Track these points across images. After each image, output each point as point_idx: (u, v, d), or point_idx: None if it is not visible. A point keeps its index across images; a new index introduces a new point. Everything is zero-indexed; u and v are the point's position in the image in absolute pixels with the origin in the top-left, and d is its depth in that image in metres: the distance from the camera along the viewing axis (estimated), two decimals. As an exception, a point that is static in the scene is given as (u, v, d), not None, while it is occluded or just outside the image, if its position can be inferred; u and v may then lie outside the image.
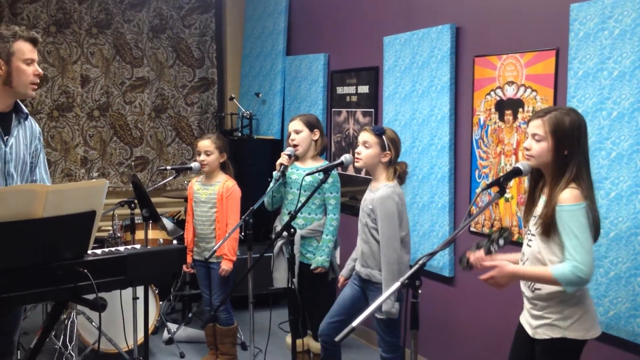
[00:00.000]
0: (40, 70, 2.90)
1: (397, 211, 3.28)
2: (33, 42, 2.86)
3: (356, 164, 3.41)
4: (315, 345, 4.05)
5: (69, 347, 4.07)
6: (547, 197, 2.46)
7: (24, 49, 2.83)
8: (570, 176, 2.40)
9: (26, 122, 2.97)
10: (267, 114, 6.04)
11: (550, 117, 2.44)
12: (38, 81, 2.90)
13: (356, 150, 3.39)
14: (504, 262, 2.49)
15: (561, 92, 3.20)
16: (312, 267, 3.84)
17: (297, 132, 3.91)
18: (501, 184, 2.46)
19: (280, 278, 3.88)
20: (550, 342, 2.48)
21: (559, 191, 2.40)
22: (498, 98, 3.59)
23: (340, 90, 5.11)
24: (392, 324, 3.36)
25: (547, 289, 2.46)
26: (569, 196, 2.37)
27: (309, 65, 5.45)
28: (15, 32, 2.82)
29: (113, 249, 2.55)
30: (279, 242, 3.86)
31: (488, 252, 2.58)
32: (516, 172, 2.54)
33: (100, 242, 4.62)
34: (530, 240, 2.54)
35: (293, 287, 3.40)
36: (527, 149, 2.49)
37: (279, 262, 3.87)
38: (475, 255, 2.58)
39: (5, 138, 2.85)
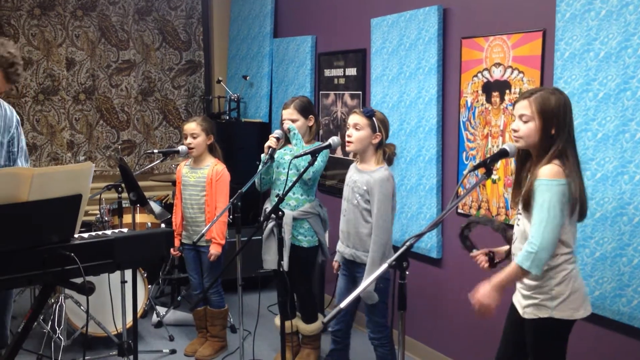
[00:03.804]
0: None
1: (392, 194, 3.32)
2: (7, 78, 2.74)
3: (347, 148, 3.40)
4: (304, 327, 4.07)
5: (58, 331, 4.06)
6: (530, 174, 2.49)
7: None
8: (554, 153, 2.42)
9: None
10: (254, 96, 6.01)
11: (537, 97, 2.45)
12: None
13: (347, 133, 3.38)
14: (483, 284, 2.48)
15: (548, 73, 3.20)
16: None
17: (293, 121, 3.85)
18: (488, 165, 2.47)
19: (270, 260, 3.87)
20: (538, 321, 2.50)
21: (540, 166, 2.42)
22: (485, 80, 3.59)
23: (328, 72, 5.09)
24: (379, 305, 3.39)
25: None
26: (547, 171, 2.40)
27: (296, 47, 5.42)
28: (7, 57, 2.70)
29: (100, 232, 2.54)
30: (270, 224, 3.85)
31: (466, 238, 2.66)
32: (503, 154, 2.55)
33: (88, 226, 4.61)
34: (518, 219, 2.57)
35: (282, 269, 3.41)
36: (515, 131, 2.50)
37: (269, 244, 3.87)
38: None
39: None
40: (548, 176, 2.39)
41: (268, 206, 4.00)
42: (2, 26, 5.70)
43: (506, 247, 2.73)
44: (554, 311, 2.47)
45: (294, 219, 3.84)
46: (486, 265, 2.72)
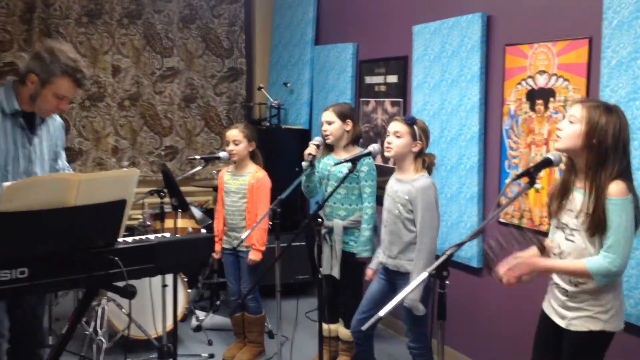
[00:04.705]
0: (66, 107, 2.89)
1: (435, 201, 3.30)
2: (78, 83, 2.82)
3: (387, 154, 3.39)
4: (345, 332, 4.06)
5: (100, 333, 4.13)
6: (588, 191, 2.41)
7: (65, 86, 2.79)
8: (613, 171, 2.37)
9: (49, 118, 3.01)
10: (295, 103, 6.04)
11: (592, 105, 2.42)
12: (57, 113, 2.92)
13: (387, 140, 3.37)
14: (534, 258, 2.46)
15: (594, 81, 3.15)
16: (357, 256, 3.86)
17: (329, 122, 3.89)
18: (531, 174, 2.43)
19: (324, 266, 3.90)
20: (589, 334, 2.46)
21: (604, 185, 2.37)
22: (529, 87, 3.54)
23: (368, 79, 5.09)
24: (420, 315, 3.36)
25: (593, 283, 2.42)
26: (616, 189, 2.35)
27: (337, 54, 5.43)
28: (72, 66, 2.75)
29: (143, 237, 2.58)
30: (322, 231, 3.87)
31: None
32: (547, 163, 2.51)
33: (131, 231, 4.68)
34: (572, 235, 2.49)
35: (320, 275, 3.41)
36: (559, 129, 2.48)
37: (323, 250, 3.90)
38: (506, 273, 2.55)
39: (30, 137, 2.89)
40: (619, 194, 2.35)
41: (323, 215, 4.00)
42: (51, 34, 5.85)
43: (531, 252, 2.66)
44: (606, 324, 2.44)
45: (345, 228, 3.85)
46: (513, 280, 2.63)
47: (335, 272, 3.84)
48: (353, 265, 3.89)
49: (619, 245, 2.34)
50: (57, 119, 3.10)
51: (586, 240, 2.44)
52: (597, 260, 2.36)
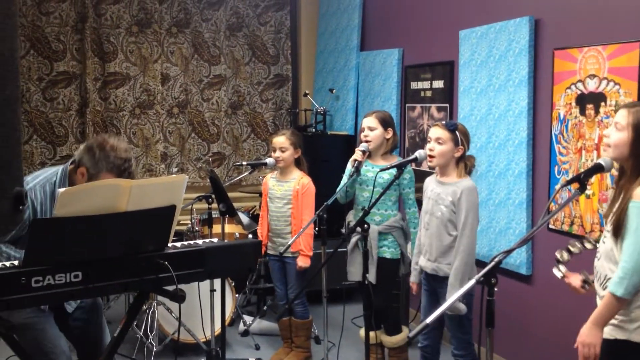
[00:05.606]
0: None
1: (477, 204, 3.28)
2: (121, 177, 2.76)
3: (430, 163, 3.38)
4: (387, 340, 4.05)
5: (150, 337, 4.21)
6: (622, 194, 2.39)
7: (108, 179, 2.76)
8: None
9: None
10: (340, 109, 6.06)
11: (638, 110, 2.36)
12: None
13: (429, 147, 3.36)
14: (586, 331, 2.43)
15: (647, 85, 3.07)
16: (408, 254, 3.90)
17: (371, 129, 3.90)
18: (582, 180, 2.39)
19: (355, 272, 3.91)
20: (614, 342, 2.41)
21: (634, 187, 2.32)
22: (579, 92, 3.48)
23: (414, 85, 5.07)
24: (463, 321, 3.33)
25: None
26: None
27: (383, 60, 5.43)
28: (119, 165, 2.73)
29: (192, 242, 2.62)
30: (354, 237, 3.89)
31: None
32: (597, 168, 2.46)
33: (179, 236, 4.76)
34: (605, 236, 2.47)
35: (367, 282, 3.41)
36: (606, 136, 2.44)
37: (353, 257, 3.91)
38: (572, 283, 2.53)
39: None
40: None
41: (351, 219, 4.03)
42: (102, 43, 6.01)
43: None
44: (632, 334, 2.37)
45: (379, 233, 3.86)
46: (578, 286, 2.62)
47: (372, 277, 3.84)
48: (385, 270, 3.88)
49: (629, 249, 2.28)
50: None
51: (612, 243, 2.40)
52: (613, 279, 2.32)
